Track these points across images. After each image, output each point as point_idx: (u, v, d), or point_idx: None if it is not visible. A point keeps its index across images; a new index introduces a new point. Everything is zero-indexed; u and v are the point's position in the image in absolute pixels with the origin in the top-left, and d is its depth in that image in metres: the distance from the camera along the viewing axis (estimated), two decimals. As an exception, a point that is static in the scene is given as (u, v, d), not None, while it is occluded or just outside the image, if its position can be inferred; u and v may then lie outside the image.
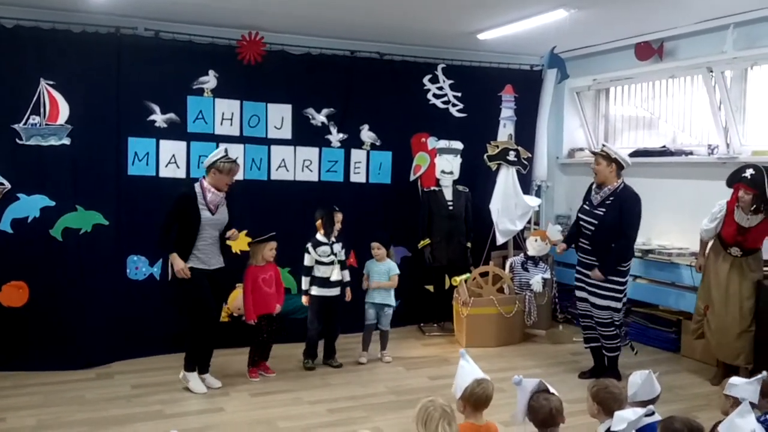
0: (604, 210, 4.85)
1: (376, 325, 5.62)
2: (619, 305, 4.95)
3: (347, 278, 5.42)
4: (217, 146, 5.72)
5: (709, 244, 5.06)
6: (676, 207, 6.10)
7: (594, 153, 5.07)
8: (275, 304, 5.16)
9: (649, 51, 6.18)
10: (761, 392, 3.07)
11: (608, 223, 4.83)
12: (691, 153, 6.15)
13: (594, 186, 5.01)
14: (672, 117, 6.59)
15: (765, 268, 4.95)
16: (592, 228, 4.92)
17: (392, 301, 5.64)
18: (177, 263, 4.65)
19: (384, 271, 5.59)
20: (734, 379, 3.16)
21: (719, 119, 5.86)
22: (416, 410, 2.61)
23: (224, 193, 4.78)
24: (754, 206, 4.65)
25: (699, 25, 5.63)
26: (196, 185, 4.74)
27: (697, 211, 5.47)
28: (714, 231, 4.96)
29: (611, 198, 4.85)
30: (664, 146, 6.42)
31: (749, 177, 4.63)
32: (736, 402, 2.89)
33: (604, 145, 5.07)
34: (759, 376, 3.09)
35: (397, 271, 5.65)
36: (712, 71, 5.76)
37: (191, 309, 4.78)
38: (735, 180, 4.76)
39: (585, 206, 5.03)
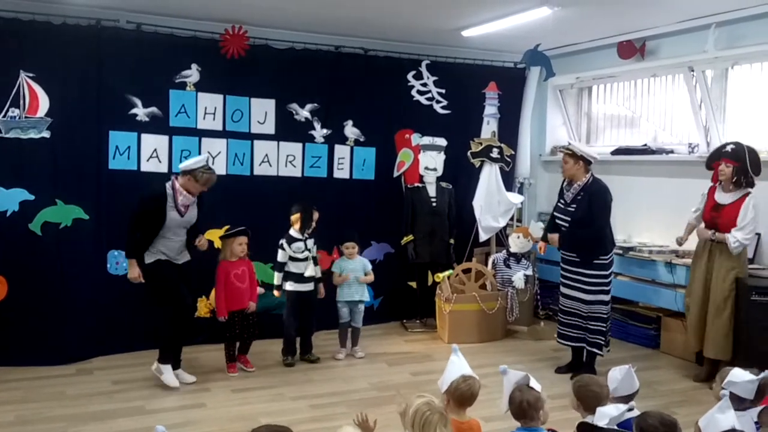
0: (575, 206, 4.94)
1: (350, 323, 5.62)
2: (607, 298, 5.00)
3: (319, 274, 5.42)
4: (200, 141, 5.73)
5: (694, 232, 5.09)
6: (657, 205, 6.17)
7: (561, 151, 5.12)
8: (248, 300, 5.13)
9: (631, 50, 6.23)
10: (757, 391, 3.06)
11: (581, 219, 4.90)
12: (671, 151, 6.21)
13: (565, 184, 5.07)
14: (653, 115, 6.65)
15: (751, 266, 5.02)
16: (567, 225, 5.00)
17: (367, 297, 5.66)
18: (132, 270, 4.61)
19: (359, 268, 5.59)
20: (735, 374, 3.12)
21: (700, 118, 5.92)
22: (411, 412, 2.50)
23: (194, 197, 4.72)
24: (735, 178, 4.76)
25: (680, 24, 5.69)
26: (168, 185, 4.66)
27: (677, 209, 5.54)
28: (698, 216, 5.02)
29: (581, 193, 4.92)
30: (645, 144, 6.48)
31: (730, 151, 4.80)
32: (734, 397, 2.89)
33: (569, 143, 5.13)
34: (762, 375, 3.08)
35: (370, 266, 5.68)
36: (693, 70, 5.82)
37: (163, 301, 4.73)
38: (715, 158, 4.90)
39: (559, 204, 5.13)
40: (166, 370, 4.73)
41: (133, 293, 5.37)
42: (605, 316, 5.01)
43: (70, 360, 5.20)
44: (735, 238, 4.69)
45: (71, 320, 5.23)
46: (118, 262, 5.50)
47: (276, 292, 5.34)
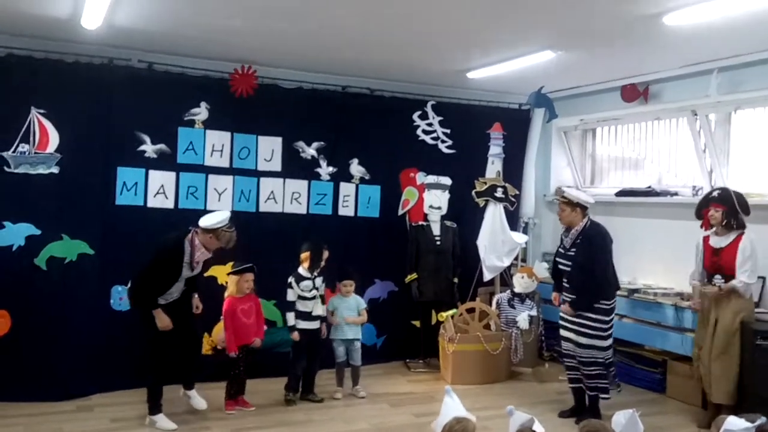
0: (575, 250, 4.94)
1: (347, 362, 5.57)
2: (604, 344, 4.93)
3: (324, 313, 5.39)
4: (207, 178, 5.78)
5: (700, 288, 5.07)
6: (662, 247, 6.16)
7: (556, 199, 5.11)
8: (253, 337, 5.11)
9: (634, 93, 6.30)
10: None
11: (581, 263, 4.90)
12: (676, 194, 6.22)
13: (563, 231, 5.09)
14: (658, 158, 6.69)
15: (757, 310, 4.98)
16: (568, 269, 5.00)
17: (359, 336, 5.62)
18: (162, 320, 4.56)
19: (353, 306, 5.57)
20: (731, 422, 3.08)
21: (704, 161, 5.95)
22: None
23: (211, 253, 4.72)
24: (725, 221, 4.79)
25: (683, 69, 5.75)
26: (186, 240, 4.62)
27: (681, 252, 5.51)
28: (698, 270, 5.00)
29: (580, 237, 4.93)
30: (649, 186, 6.50)
31: (717, 196, 4.88)
32: None
33: (563, 191, 5.09)
34: (758, 421, 3.04)
35: (366, 305, 5.66)
36: (696, 114, 5.87)
37: (151, 346, 4.68)
38: (703, 205, 4.94)
39: (560, 250, 5.13)
40: (159, 418, 4.69)
41: (136, 329, 5.34)
42: (602, 361, 4.94)
43: (71, 396, 5.17)
44: (741, 281, 4.68)
45: (73, 356, 5.22)
46: (122, 298, 5.49)
47: (295, 334, 5.21)
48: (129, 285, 4.87)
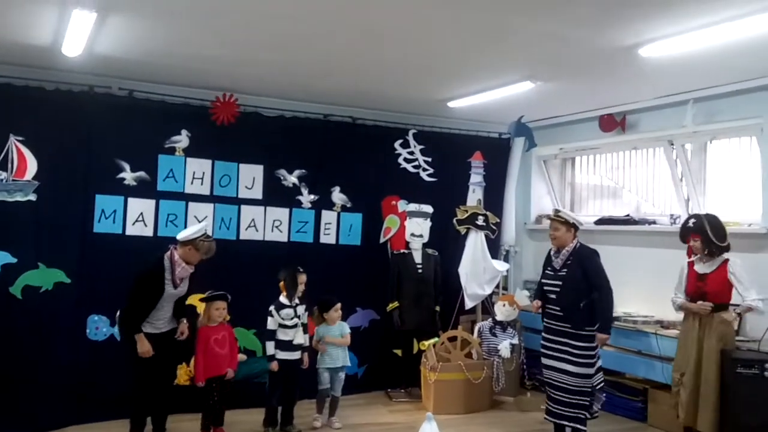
0: (566, 270, 4.92)
1: (329, 390, 5.49)
2: (591, 371, 4.90)
3: (307, 342, 5.31)
4: (187, 206, 5.73)
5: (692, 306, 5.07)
6: (641, 275, 6.19)
7: (551, 219, 5.11)
8: (226, 367, 5.00)
9: (612, 123, 6.40)
10: None
11: (573, 282, 4.86)
12: (654, 222, 6.30)
13: (552, 252, 5.08)
14: (635, 187, 6.77)
15: (737, 338, 5.00)
16: (558, 290, 4.93)
17: (349, 363, 5.56)
18: (142, 345, 4.50)
19: (337, 333, 5.53)
20: None
21: (681, 190, 6.04)
22: None
23: (193, 267, 4.69)
24: (707, 250, 4.85)
25: (660, 99, 5.86)
26: (165, 257, 4.61)
27: (660, 280, 5.55)
28: (682, 293, 5.01)
29: (571, 258, 4.92)
30: (628, 215, 6.57)
31: (692, 225, 4.94)
32: None
33: (558, 211, 5.12)
34: None
35: (349, 330, 5.62)
36: (673, 144, 5.97)
37: (136, 375, 4.62)
38: (686, 234, 5.00)
39: (548, 272, 5.06)
40: None
41: (112, 360, 5.26)
42: (588, 390, 4.90)
43: (45, 428, 5.04)
44: (752, 297, 4.68)
45: (48, 387, 5.10)
46: (98, 327, 5.42)
47: (273, 364, 5.11)
48: (118, 314, 4.80)
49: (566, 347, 4.90)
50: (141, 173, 5.63)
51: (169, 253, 4.63)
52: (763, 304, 4.70)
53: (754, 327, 5.09)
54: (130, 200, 5.59)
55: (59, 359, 5.19)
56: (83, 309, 5.38)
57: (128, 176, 5.59)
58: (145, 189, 5.65)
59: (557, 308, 4.95)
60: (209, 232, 4.82)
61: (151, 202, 5.67)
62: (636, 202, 6.77)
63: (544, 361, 5.06)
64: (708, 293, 4.82)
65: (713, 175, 5.91)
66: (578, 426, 4.91)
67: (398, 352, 6.49)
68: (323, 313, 5.52)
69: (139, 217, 5.62)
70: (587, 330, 4.85)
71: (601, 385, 4.98)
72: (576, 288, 4.85)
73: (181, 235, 4.66)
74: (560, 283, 4.91)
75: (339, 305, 5.54)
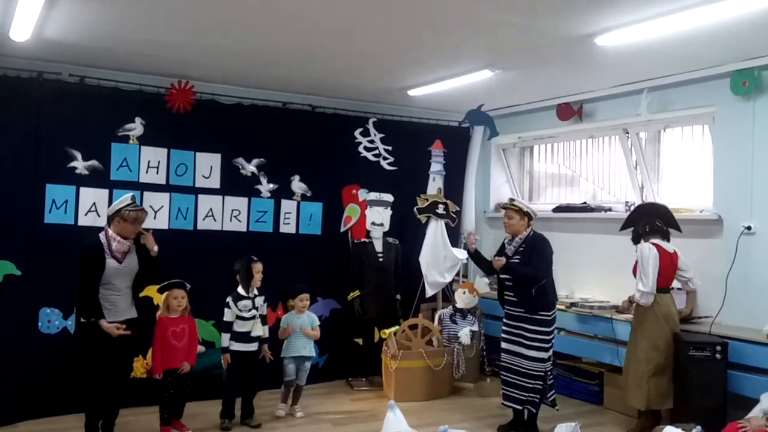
0: (519, 258, 5.00)
1: (294, 381, 5.46)
2: (545, 356, 4.99)
3: (266, 334, 5.24)
4: (142, 195, 5.61)
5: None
6: (597, 261, 6.32)
7: (505, 207, 5.18)
8: (183, 360, 4.85)
9: (569, 112, 6.48)
10: None
11: (525, 266, 4.95)
12: (610, 209, 6.41)
13: (507, 240, 5.15)
14: (592, 175, 6.88)
15: (691, 319, 5.14)
16: (510, 278, 5.04)
17: (314, 353, 5.55)
18: (108, 329, 4.31)
19: (307, 323, 5.51)
20: (668, 431, 3.16)
21: (635, 178, 6.16)
22: None
23: (131, 241, 4.53)
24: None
25: (615, 88, 5.94)
26: (101, 235, 4.44)
27: (615, 265, 5.69)
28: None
29: (523, 245, 5.01)
30: (584, 202, 6.68)
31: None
32: None
33: (513, 200, 5.22)
34: (693, 430, 3.12)
35: (319, 322, 5.61)
36: (628, 132, 6.08)
37: (83, 367, 4.43)
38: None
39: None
40: None
41: (65, 354, 5.13)
42: (542, 374, 4.98)
43: (-4, 425, 4.90)
44: (638, 291, 4.91)
45: (-2, 382, 4.95)
46: (50, 320, 5.27)
47: (225, 357, 5.03)
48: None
49: (521, 331, 5.01)
50: (93, 162, 5.48)
51: (103, 232, 4.47)
52: (640, 295, 4.88)
53: (705, 307, 5.21)
54: (83, 190, 5.44)
55: (10, 353, 5.04)
56: (35, 302, 5.23)
57: (80, 165, 5.43)
58: (98, 178, 5.50)
59: (512, 294, 5.06)
60: (137, 202, 4.64)
61: (105, 192, 5.51)
62: (592, 190, 6.88)
63: (503, 345, 5.18)
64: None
65: (667, 163, 6.04)
66: (531, 409, 5.01)
67: (359, 340, 6.49)
68: (290, 299, 5.50)
69: (91, 207, 5.47)
70: (541, 314, 4.95)
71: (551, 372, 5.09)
72: (528, 274, 4.93)
73: (107, 210, 4.55)
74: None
75: (305, 296, 5.51)
